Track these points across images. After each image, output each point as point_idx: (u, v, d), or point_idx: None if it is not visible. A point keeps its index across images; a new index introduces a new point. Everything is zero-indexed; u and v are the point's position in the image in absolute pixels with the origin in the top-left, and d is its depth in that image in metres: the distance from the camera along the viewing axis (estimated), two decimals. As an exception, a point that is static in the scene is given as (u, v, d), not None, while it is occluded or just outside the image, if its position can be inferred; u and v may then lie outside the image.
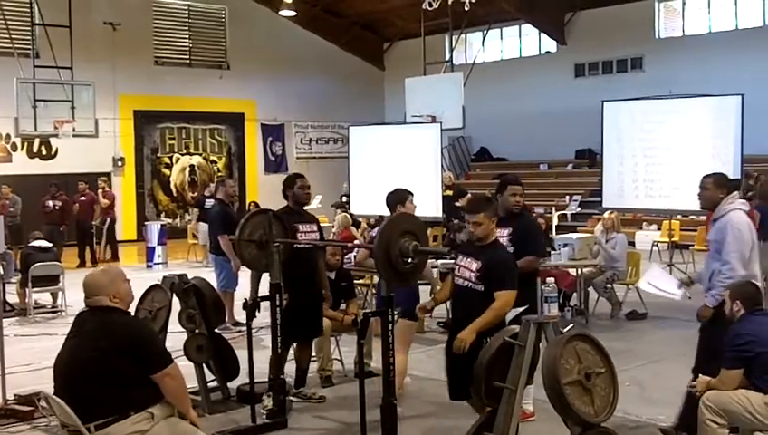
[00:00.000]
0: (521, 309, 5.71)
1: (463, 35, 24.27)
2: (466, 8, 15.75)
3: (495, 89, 24.72)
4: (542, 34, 25.21)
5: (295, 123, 27.26)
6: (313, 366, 8.22)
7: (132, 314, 5.15)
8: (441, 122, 16.61)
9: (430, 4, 15.77)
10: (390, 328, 5.65)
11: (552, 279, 5.42)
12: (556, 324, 5.16)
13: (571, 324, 5.21)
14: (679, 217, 15.93)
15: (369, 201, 14.99)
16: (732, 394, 5.20)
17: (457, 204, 15.40)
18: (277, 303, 6.85)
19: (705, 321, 6.03)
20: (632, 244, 18.06)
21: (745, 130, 12.77)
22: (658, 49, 22.84)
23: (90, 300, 4.66)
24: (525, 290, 5.66)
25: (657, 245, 16.78)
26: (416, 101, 18.80)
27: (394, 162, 15.21)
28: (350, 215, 14.31)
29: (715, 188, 6.12)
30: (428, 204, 14.25)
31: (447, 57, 21.53)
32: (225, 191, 11.11)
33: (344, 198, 18.32)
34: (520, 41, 26.41)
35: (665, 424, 6.47)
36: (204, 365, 7.47)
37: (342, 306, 8.70)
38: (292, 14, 24.36)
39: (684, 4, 23.08)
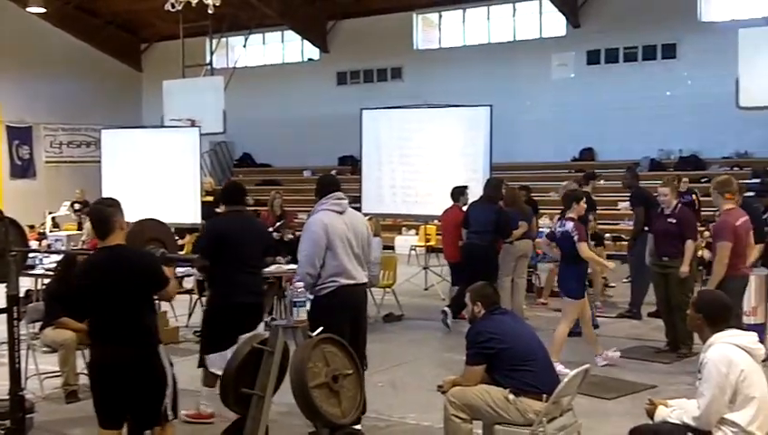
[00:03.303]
0: None
1: (224, 39, 23.98)
2: (210, 11, 15.45)
3: (258, 94, 24.61)
4: (305, 41, 25.37)
5: (45, 126, 25.75)
6: (58, 381, 7.78)
7: None
8: (200, 127, 16.26)
9: (173, 6, 15.34)
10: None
11: (301, 284, 5.39)
12: (305, 329, 5.13)
13: (321, 328, 5.17)
14: (436, 222, 16.48)
15: (123, 208, 14.38)
16: (474, 390, 5.37)
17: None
18: (15, 315, 6.37)
19: None
20: (392, 248, 18.65)
21: (494, 138, 13.41)
22: (417, 60, 23.60)
23: None
24: None
25: (414, 249, 17.30)
26: (174, 104, 18.27)
27: (151, 167, 14.68)
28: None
29: (316, 190, 6.47)
30: (187, 210, 13.90)
31: (208, 60, 21.15)
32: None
33: (77, 205, 17.55)
34: (283, 47, 26.45)
35: (413, 422, 6.59)
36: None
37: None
38: (42, 10, 23.00)
39: (440, 17, 24.01)
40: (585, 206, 8.78)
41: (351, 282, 6.29)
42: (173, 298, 6.04)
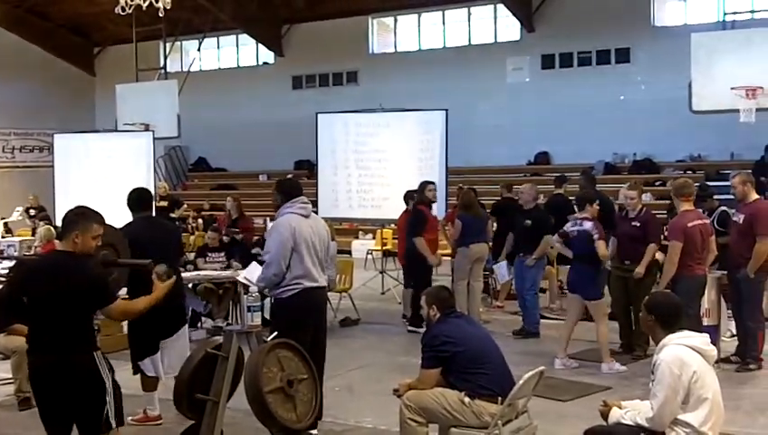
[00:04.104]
0: None
1: (178, 42, 23.78)
2: (161, 14, 15.31)
3: (213, 98, 24.43)
4: (260, 45, 25.25)
5: (-4, 131, 25.40)
6: (11, 388, 7.68)
7: None
8: (154, 131, 16.09)
9: (123, 9, 15.21)
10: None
11: (256, 289, 5.36)
12: (259, 334, 5.09)
13: (275, 333, 5.13)
14: (392, 226, 16.46)
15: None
16: (429, 393, 5.37)
17: (173, 215, 15.00)
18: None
19: None
20: (349, 252, 18.60)
21: (449, 142, 13.44)
22: (372, 64, 23.61)
23: None
24: None
25: (371, 253, 17.28)
26: (128, 108, 18.02)
27: (104, 172, 14.52)
28: (55, 227, 13.44)
29: (276, 194, 6.49)
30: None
31: (162, 64, 20.94)
32: None
33: (32, 211, 17.29)
34: (237, 51, 26.30)
35: (370, 425, 6.57)
36: None
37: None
38: (-7, 13, 22.70)
39: (396, 21, 24.04)
40: (597, 208, 8.86)
41: (314, 285, 6.32)
42: (123, 319, 5.79)
